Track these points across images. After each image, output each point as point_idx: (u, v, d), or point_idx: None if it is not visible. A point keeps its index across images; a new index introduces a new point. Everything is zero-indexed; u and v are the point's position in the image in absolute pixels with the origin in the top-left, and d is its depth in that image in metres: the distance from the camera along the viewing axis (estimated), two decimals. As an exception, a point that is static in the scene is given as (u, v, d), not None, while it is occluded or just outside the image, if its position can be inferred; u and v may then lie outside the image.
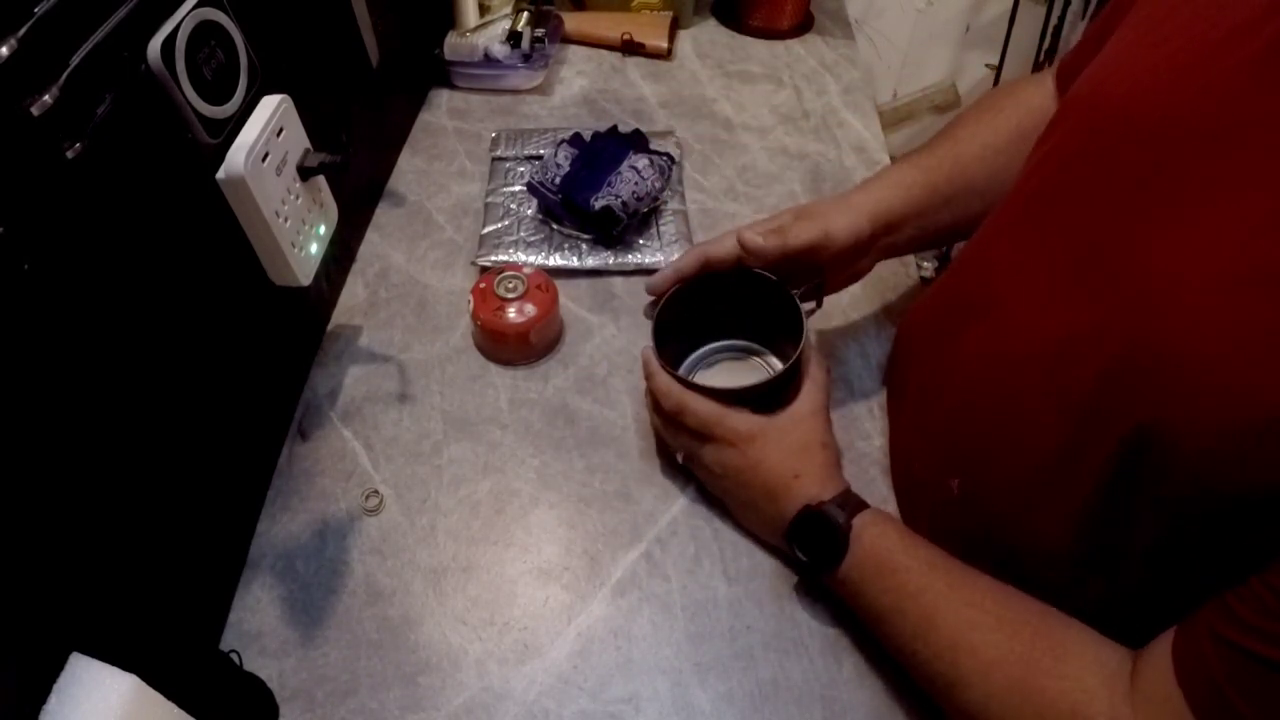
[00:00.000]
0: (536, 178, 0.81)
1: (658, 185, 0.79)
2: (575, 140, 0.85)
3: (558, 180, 0.80)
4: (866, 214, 0.61)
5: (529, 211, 0.82)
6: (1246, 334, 0.35)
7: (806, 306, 0.60)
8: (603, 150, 0.83)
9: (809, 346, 0.59)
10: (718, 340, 0.69)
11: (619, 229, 0.78)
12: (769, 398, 0.58)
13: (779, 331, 0.62)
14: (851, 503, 0.53)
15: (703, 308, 0.64)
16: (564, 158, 0.82)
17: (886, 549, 0.51)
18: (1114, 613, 0.45)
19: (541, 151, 0.87)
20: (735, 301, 0.64)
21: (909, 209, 0.62)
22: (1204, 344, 0.36)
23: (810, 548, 0.54)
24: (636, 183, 0.78)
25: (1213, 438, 0.36)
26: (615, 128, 0.87)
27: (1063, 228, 0.47)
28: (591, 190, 0.78)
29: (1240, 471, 0.35)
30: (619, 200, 0.76)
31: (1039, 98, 0.65)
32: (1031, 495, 0.48)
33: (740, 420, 0.56)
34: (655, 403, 0.60)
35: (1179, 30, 0.44)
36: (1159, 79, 0.43)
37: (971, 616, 0.47)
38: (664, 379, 0.59)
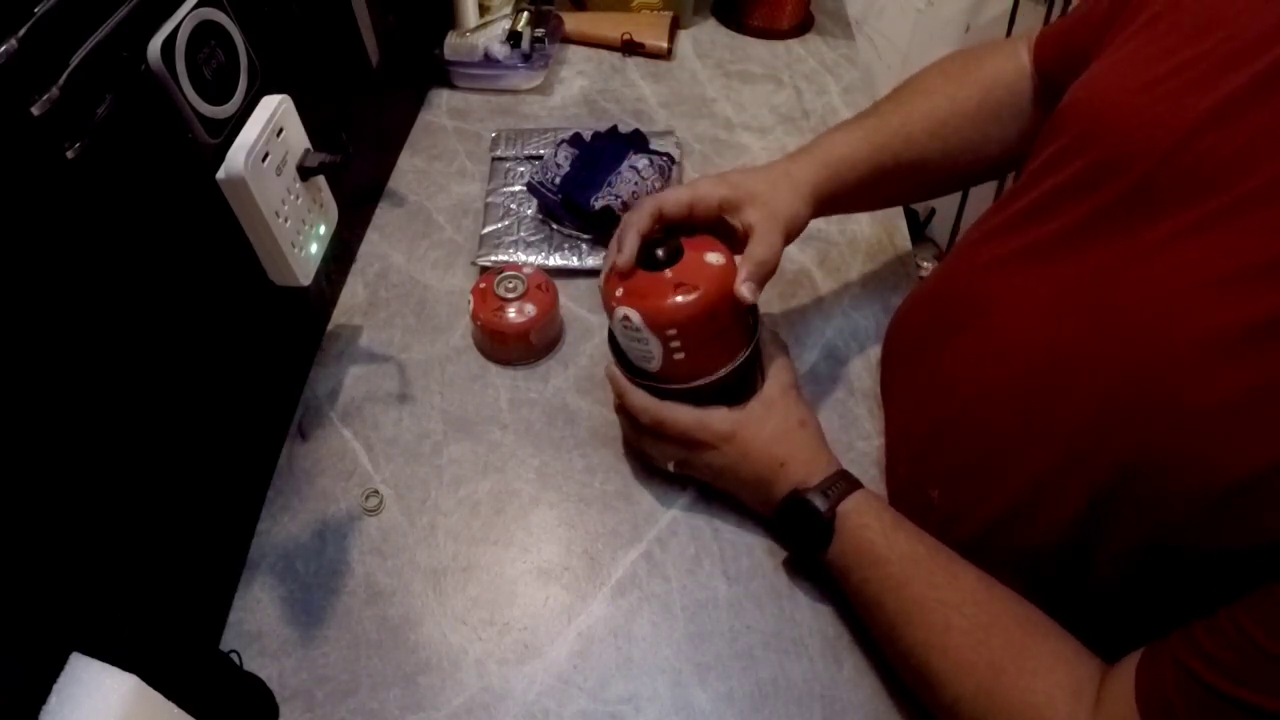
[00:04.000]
0: (536, 178, 0.81)
1: (658, 185, 0.79)
2: (575, 140, 0.85)
3: (558, 180, 0.80)
4: (810, 199, 0.58)
5: (529, 211, 0.82)
6: (1240, 392, 0.35)
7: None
8: (603, 150, 0.83)
9: (763, 325, 0.58)
10: None
11: (619, 229, 0.78)
12: (741, 376, 0.57)
13: None
14: (839, 487, 0.53)
15: None
16: (564, 158, 0.82)
17: (868, 540, 0.51)
18: (1089, 625, 0.45)
19: (541, 151, 0.87)
20: None
21: (852, 186, 0.60)
22: (1198, 394, 0.36)
23: (795, 534, 0.54)
24: (636, 183, 0.78)
25: (1196, 484, 0.36)
26: (615, 128, 0.87)
27: (1060, 245, 0.47)
28: (591, 190, 0.78)
29: (1220, 523, 0.35)
30: (619, 200, 0.76)
31: (1010, 69, 0.61)
32: (1009, 518, 0.48)
33: (718, 421, 0.56)
34: (633, 420, 0.59)
35: (1184, 44, 0.42)
36: (1163, 98, 0.42)
37: (947, 618, 0.46)
38: (639, 395, 0.57)
